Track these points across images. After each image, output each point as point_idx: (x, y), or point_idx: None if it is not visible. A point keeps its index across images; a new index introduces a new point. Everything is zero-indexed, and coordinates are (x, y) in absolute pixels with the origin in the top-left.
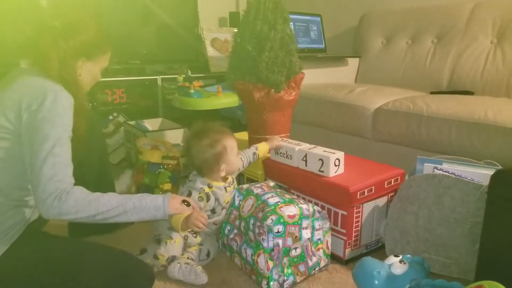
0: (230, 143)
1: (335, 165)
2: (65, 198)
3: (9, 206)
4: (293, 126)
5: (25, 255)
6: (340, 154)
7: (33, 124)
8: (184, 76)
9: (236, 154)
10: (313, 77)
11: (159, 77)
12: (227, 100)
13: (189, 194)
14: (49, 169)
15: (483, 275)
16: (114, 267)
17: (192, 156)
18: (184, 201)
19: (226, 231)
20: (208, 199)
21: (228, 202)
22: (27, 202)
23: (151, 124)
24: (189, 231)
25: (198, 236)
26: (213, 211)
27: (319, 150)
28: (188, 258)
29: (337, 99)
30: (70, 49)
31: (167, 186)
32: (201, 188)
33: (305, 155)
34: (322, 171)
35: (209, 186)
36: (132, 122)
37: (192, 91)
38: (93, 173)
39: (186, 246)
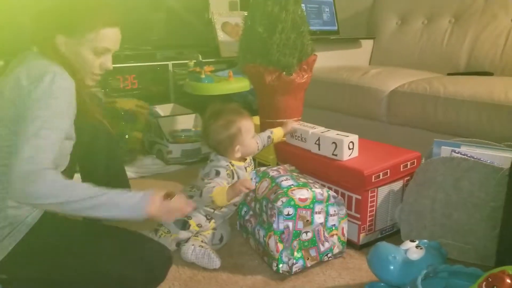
0: (245, 124)
1: (349, 149)
2: (34, 180)
3: None
4: (305, 110)
5: (43, 239)
6: (354, 137)
7: (27, 104)
8: (195, 61)
9: (252, 136)
10: (326, 60)
11: (170, 63)
12: (238, 85)
13: (218, 173)
14: (28, 150)
15: (504, 261)
16: (132, 249)
17: (207, 136)
18: (166, 195)
19: (243, 213)
20: (233, 177)
21: None
22: None
23: (162, 109)
24: (205, 215)
25: (211, 221)
26: None
27: (332, 134)
28: (202, 241)
29: (350, 81)
30: (49, 27)
31: (138, 134)
32: (227, 165)
33: (318, 139)
34: (336, 155)
35: (232, 165)
36: None
37: (203, 76)
38: (102, 156)
39: (199, 232)
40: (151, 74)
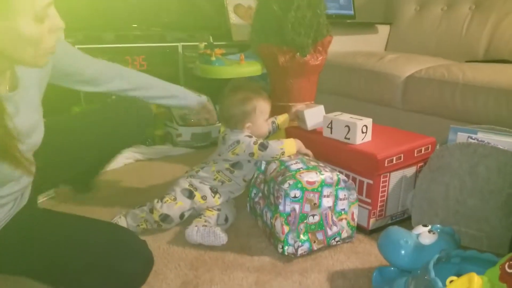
0: (262, 105)
1: (362, 132)
2: None
3: None
4: (318, 95)
5: (15, 234)
6: (368, 121)
7: None
8: (205, 43)
9: (265, 118)
10: (341, 45)
11: (180, 44)
12: (250, 68)
13: (250, 137)
14: None
15: None
16: (105, 246)
17: (223, 108)
18: None
19: (252, 195)
20: None
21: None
22: None
23: None
24: (210, 187)
25: (216, 196)
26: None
27: (346, 117)
28: (205, 221)
29: (366, 66)
30: None
31: (160, 132)
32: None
33: (331, 122)
34: (348, 138)
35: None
36: None
37: (213, 58)
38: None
39: (202, 210)
40: (160, 56)
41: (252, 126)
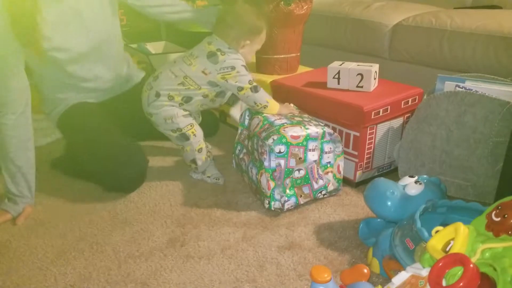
0: (264, 34)
1: (374, 78)
2: None
3: None
4: (303, 47)
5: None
6: (376, 67)
7: None
8: None
9: (256, 50)
10: None
11: None
12: None
13: (246, 69)
14: None
15: (504, 196)
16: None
17: (231, 14)
18: None
19: (237, 151)
20: None
21: None
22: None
23: (154, 47)
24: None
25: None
26: None
27: (352, 65)
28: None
29: (352, 15)
30: None
31: None
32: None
33: (338, 72)
34: (361, 87)
35: None
36: (134, 45)
37: None
38: None
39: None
40: None
41: (248, 47)
